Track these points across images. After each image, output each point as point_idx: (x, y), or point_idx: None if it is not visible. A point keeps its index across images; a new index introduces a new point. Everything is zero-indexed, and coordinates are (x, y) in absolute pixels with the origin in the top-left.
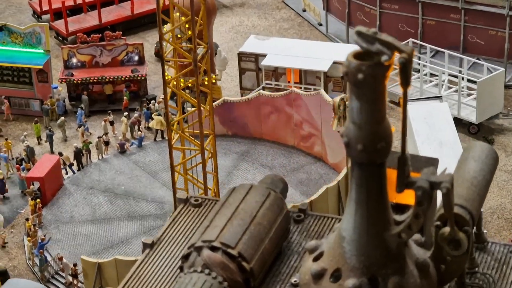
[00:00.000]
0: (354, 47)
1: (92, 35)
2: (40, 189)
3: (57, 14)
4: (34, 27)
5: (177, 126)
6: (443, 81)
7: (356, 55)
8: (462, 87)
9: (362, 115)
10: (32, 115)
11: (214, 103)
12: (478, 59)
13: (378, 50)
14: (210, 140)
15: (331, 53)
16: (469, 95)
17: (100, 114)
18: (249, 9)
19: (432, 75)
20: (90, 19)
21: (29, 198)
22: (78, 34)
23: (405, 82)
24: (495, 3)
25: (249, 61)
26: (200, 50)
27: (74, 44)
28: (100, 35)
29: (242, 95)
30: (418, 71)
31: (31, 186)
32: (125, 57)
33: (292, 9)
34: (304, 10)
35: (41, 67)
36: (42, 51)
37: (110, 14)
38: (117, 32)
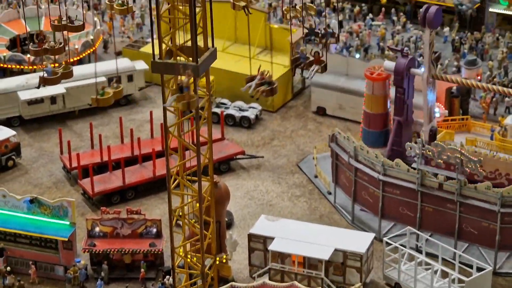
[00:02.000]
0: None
1: (114, 209)
2: None
3: (86, 170)
4: (62, 201)
5: None
6: (436, 271)
7: None
8: (453, 279)
9: None
10: (56, 278)
11: (222, 287)
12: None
13: None
14: None
15: (334, 239)
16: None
17: (119, 281)
18: (264, 172)
19: (426, 262)
20: (114, 179)
21: None
22: (102, 208)
23: None
24: (488, 199)
25: (258, 242)
26: (208, 261)
27: (99, 202)
28: (121, 210)
29: (250, 271)
30: (412, 259)
31: None
32: (144, 230)
33: (305, 174)
34: (316, 177)
35: (66, 239)
36: (68, 223)
37: (133, 175)
38: (137, 208)
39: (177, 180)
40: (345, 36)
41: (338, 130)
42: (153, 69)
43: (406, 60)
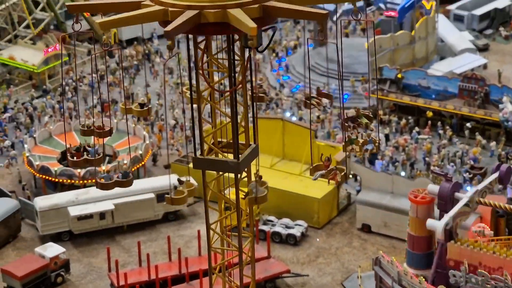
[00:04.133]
0: None
1: None
2: None
3: None
4: None
5: None
6: None
7: None
8: None
9: None
10: None
11: None
12: None
13: None
14: None
15: None
16: None
17: None
18: None
19: None
20: None
21: None
22: None
23: None
24: None
25: None
26: None
27: None
28: None
29: None
30: None
31: None
32: None
33: None
34: None
35: None
36: None
37: None
38: None
39: None
40: (391, 151)
41: (381, 253)
42: (194, 165)
43: (450, 185)
